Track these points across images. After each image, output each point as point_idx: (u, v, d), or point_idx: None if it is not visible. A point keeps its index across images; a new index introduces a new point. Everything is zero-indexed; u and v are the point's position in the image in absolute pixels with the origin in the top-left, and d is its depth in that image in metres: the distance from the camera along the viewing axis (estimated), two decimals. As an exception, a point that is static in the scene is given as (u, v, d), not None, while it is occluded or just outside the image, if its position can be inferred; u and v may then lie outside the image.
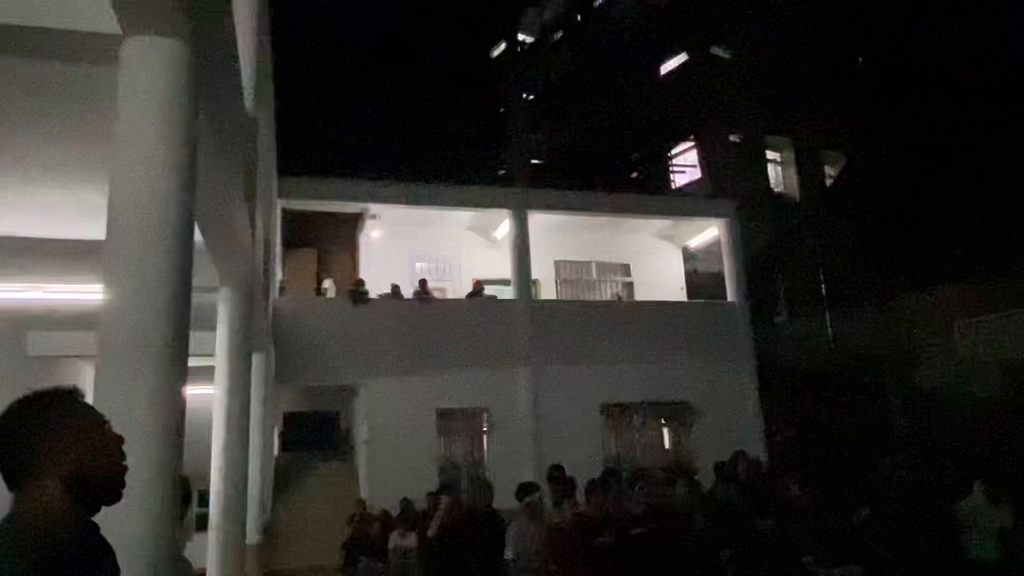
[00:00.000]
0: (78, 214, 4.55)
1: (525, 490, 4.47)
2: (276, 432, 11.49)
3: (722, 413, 11.37)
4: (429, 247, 12.62)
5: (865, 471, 7.38)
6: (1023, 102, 12.18)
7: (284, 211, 11.07)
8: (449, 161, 14.22)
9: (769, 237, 13.83)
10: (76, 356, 6.97)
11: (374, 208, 11.90)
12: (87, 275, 4.79)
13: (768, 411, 11.54)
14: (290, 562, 8.84)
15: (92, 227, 3.35)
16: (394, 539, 7.14)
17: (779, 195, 16.59)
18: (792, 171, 16.59)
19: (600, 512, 4.33)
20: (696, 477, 6.16)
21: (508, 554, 4.15)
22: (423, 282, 11.51)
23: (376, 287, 11.06)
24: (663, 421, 11.85)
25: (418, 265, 12.53)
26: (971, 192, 12.23)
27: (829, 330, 13.51)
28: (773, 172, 17.41)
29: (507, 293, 11.84)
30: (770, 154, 17.29)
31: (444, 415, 10.80)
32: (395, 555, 7.02)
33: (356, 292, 10.81)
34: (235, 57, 3.18)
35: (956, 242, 11.57)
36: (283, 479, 10.46)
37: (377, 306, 10.79)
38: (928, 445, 9.85)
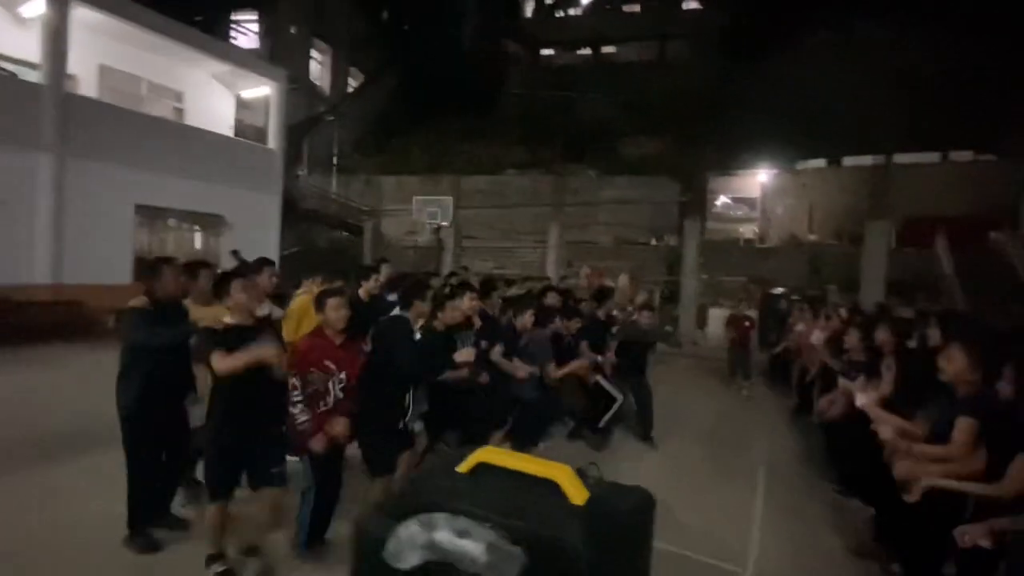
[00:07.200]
0: None
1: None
2: None
3: (250, 228, 14.55)
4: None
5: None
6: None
7: None
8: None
9: (303, 114, 17.92)
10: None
11: None
12: None
13: (283, 232, 15.63)
14: None
15: None
16: None
17: (315, 85, 20.97)
18: (328, 72, 21.34)
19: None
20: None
21: None
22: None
23: None
24: (197, 227, 14.13)
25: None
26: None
27: (333, 186, 18.87)
28: (314, 67, 21.64)
29: (32, 77, 11.41)
30: (315, 53, 21.45)
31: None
32: None
33: None
34: None
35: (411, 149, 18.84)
36: None
37: None
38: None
